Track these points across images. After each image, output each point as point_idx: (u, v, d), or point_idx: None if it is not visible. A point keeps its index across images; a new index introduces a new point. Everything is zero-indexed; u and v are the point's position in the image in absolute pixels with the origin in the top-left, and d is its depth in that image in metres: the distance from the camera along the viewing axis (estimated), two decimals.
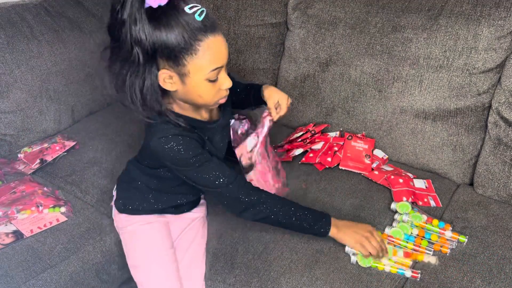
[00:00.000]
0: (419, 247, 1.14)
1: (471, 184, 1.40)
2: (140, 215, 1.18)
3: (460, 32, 1.31)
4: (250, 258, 1.15)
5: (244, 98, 1.22)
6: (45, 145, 1.55)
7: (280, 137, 1.62)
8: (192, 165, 1.01)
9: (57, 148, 1.53)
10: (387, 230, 1.17)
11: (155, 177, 1.13)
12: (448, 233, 1.16)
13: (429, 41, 1.35)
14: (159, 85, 0.92)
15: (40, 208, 1.27)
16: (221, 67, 0.93)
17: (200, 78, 0.92)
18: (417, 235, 1.17)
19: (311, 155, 1.47)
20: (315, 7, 1.56)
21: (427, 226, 1.19)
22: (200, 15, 0.86)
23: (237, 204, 1.06)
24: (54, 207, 1.28)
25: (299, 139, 1.53)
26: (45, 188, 1.34)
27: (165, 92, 0.96)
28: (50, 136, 1.62)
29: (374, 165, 1.43)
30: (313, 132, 1.54)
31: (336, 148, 1.47)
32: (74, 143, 1.57)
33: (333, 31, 1.52)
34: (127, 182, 1.19)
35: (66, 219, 1.27)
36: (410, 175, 1.39)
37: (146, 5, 0.84)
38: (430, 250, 1.13)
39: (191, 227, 1.23)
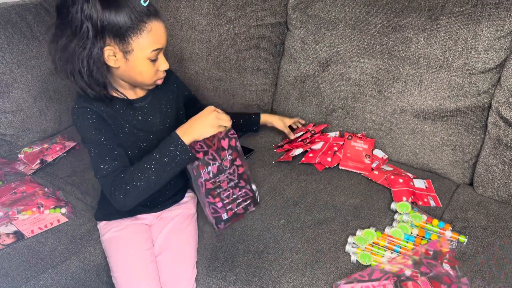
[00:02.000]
0: (418, 246, 1.14)
1: (471, 184, 1.40)
2: (114, 220, 1.23)
3: (460, 32, 1.32)
4: (250, 257, 1.15)
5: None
6: (46, 145, 1.55)
7: (280, 137, 1.62)
8: (93, 142, 1.07)
9: (58, 148, 1.54)
10: (387, 230, 1.18)
11: None
12: (448, 233, 1.17)
13: (429, 41, 1.36)
14: (104, 60, 1.02)
15: (41, 208, 1.27)
16: (161, 49, 1.05)
17: (142, 56, 1.03)
18: (417, 235, 1.17)
19: (310, 155, 1.47)
20: (315, 7, 1.56)
21: (427, 226, 1.19)
22: (145, 1, 0.99)
23: (107, 192, 1.08)
24: (55, 208, 1.28)
25: (299, 139, 1.53)
26: (46, 189, 1.34)
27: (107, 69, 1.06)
28: (50, 137, 1.62)
29: (374, 165, 1.43)
30: (312, 132, 1.54)
31: (336, 148, 1.47)
32: (74, 143, 1.57)
33: (333, 31, 1.52)
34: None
35: (67, 220, 1.27)
36: (410, 175, 1.39)
37: None
38: (430, 250, 1.13)
39: (174, 226, 1.23)
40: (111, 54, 1.02)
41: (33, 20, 1.59)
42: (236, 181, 1.21)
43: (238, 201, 1.22)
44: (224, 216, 1.20)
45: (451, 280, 1.02)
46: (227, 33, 1.71)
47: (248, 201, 1.24)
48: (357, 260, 1.11)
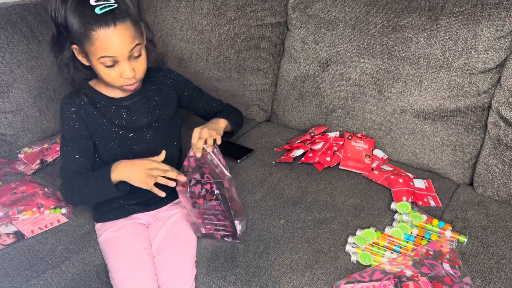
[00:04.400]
0: (418, 246, 1.14)
1: (471, 184, 1.40)
2: (110, 220, 1.24)
3: (460, 32, 1.32)
4: (251, 257, 1.15)
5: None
6: (46, 145, 1.55)
7: (280, 137, 1.62)
8: (63, 138, 1.15)
9: (58, 148, 1.53)
10: (387, 230, 1.18)
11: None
12: (448, 233, 1.17)
13: (429, 41, 1.36)
14: (73, 59, 1.08)
15: (41, 209, 1.27)
16: (112, 57, 1.04)
17: (95, 61, 1.05)
18: (417, 235, 1.17)
19: (310, 154, 1.47)
20: (315, 7, 1.56)
21: (427, 226, 1.19)
22: (102, 9, 1.00)
23: (61, 184, 1.17)
24: (55, 208, 1.28)
25: (299, 141, 1.53)
26: (46, 189, 1.34)
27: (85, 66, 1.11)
28: (50, 137, 1.62)
29: (374, 165, 1.43)
30: (312, 134, 1.54)
31: (335, 148, 1.47)
32: None
33: (333, 31, 1.52)
34: None
35: (67, 220, 1.27)
36: (410, 175, 1.39)
37: None
38: (430, 250, 1.13)
39: (172, 225, 1.23)
40: (78, 52, 1.07)
41: (33, 20, 1.59)
42: (217, 213, 1.15)
43: (217, 227, 1.17)
44: (202, 230, 1.19)
45: (452, 281, 1.02)
46: (227, 33, 1.71)
47: (228, 233, 1.18)
48: (357, 260, 1.11)
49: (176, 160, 1.30)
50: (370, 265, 1.10)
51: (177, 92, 1.30)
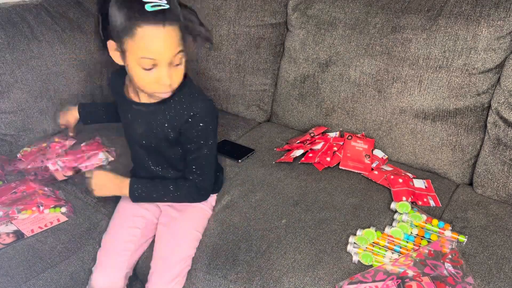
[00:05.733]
0: (419, 246, 1.14)
1: (471, 184, 1.40)
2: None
3: (460, 33, 1.32)
4: (252, 256, 1.15)
5: None
6: (44, 144, 1.55)
7: (280, 137, 1.62)
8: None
9: (57, 147, 1.53)
10: (387, 230, 1.18)
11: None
12: (448, 233, 1.17)
13: (429, 41, 1.36)
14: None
15: (41, 208, 1.27)
16: (152, 59, 0.97)
17: (133, 61, 0.98)
18: (417, 234, 1.17)
19: (310, 155, 1.47)
20: (315, 7, 1.56)
21: (427, 226, 1.19)
22: (153, 6, 0.93)
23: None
24: (54, 207, 1.28)
25: (298, 141, 1.53)
26: (46, 188, 1.34)
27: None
28: (48, 136, 1.62)
29: (373, 165, 1.43)
30: (312, 134, 1.54)
31: (335, 148, 1.47)
32: (74, 141, 1.57)
33: (333, 32, 1.52)
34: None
35: (67, 219, 1.27)
36: (409, 175, 1.40)
37: None
38: None
39: (181, 215, 1.23)
40: (113, 49, 1.01)
41: (34, 21, 1.59)
42: None
43: None
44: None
45: (455, 281, 1.02)
46: (227, 34, 1.71)
47: None
48: (358, 260, 1.11)
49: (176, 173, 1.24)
50: (371, 265, 1.10)
51: (180, 130, 1.11)
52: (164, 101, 1.09)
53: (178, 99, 1.09)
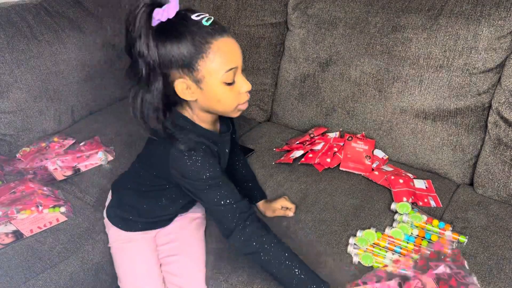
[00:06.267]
0: (419, 247, 1.14)
1: (471, 184, 1.40)
2: (126, 231, 1.17)
3: (460, 32, 1.31)
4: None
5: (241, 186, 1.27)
6: (43, 144, 1.55)
7: (279, 137, 1.62)
8: (204, 181, 0.98)
9: (57, 147, 1.53)
10: (387, 231, 1.17)
11: (153, 186, 1.10)
12: (448, 233, 1.16)
13: (429, 41, 1.35)
14: (162, 99, 0.91)
15: (40, 208, 1.26)
16: (235, 68, 0.93)
17: (216, 81, 0.92)
18: (417, 235, 1.17)
19: (310, 155, 1.46)
20: (315, 7, 1.56)
21: (427, 227, 1.19)
22: (207, 21, 0.90)
23: (230, 226, 1.00)
24: (54, 207, 1.28)
25: (298, 141, 1.53)
26: (45, 188, 1.34)
27: (182, 105, 0.98)
28: (47, 136, 1.62)
29: (374, 165, 1.42)
30: (312, 135, 1.54)
31: (335, 149, 1.47)
32: (73, 141, 1.57)
33: (333, 31, 1.52)
34: (124, 187, 1.19)
35: (66, 219, 1.27)
36: (410, 175, 1.39)
37: (156, 22, 0.87)
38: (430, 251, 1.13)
39: (184, 233, 1.21)
40: (185, 87, 0.92)
41: (33, 20, 1.59)
42: None
43: None
44: None
45: (457, 281, 1.01)
46: None
47: None
48: (359, 262, 1.11)
49: None
50: (372, 267, 1.10)
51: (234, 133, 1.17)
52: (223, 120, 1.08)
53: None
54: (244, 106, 0.99)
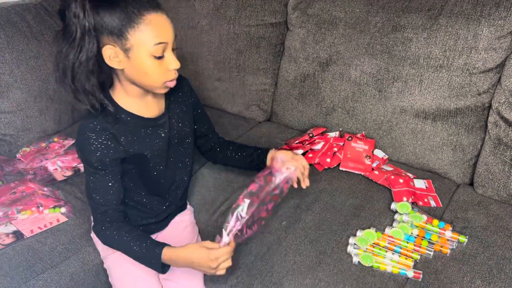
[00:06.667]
0: (419, 247, 1.14)
1: (471, 184, 1.40)
2: None
3: (460, 32, 1.31)
4: (252, 260, 1.15)
5: (239, 154, 1.26)
6: (43, 144, 1.55)
7: (279, 137, 1.62)
8: (88, 163, 1.02)
9: (56, 147, 1.53)
10: (387, 231, 1.18)
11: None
12: (448, 233, 1.16)
13: (429, 40, 1.35)
14: (94, 63, 0.93)
15: (41, 208, 1.26)
16: (165, 43, 0.95)
17: (144, 52, 0.94)
18: (417, 235, 1.17)
19: (310, 155, 1.46)
20: (315, 6, 1.56)
21: (427, 226, 1.19)
22: None
23: (94, 220, 1.09)
24: (54, 207, 1.28)
25: (297, 141, 1.53)
26: (45, 189, 1.34)
27: (109, 76, 1.00)
28: (47, 136, 1.62)
29: (374, 165, 1.43)
30: (311, 135, 1.54)
31: (335, 149, 1.47)
32: (73, 141, 1.57)
33: (333, 31, 1.52)
34: None
35: (67, 219, 1.27)
36: (410, 175, 1.39)
37: None
38: (431, 250, 1.13)
39: (178, 239, 1.19)
40: (112, 54, 0.94)
41: (33, 20, 1.59)
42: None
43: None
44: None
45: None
46: (227, 33, 1.71)
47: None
48: (359, 261, 1.11)
49: (187, 183, 1.23)
50: (372, 267, 1.10)
51: (194, 104, 1.19)
52: (171, 94, 1.09)
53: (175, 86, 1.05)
54: (171, 84, 1.01)
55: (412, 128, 1.42)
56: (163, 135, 1.09)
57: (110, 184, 1.03)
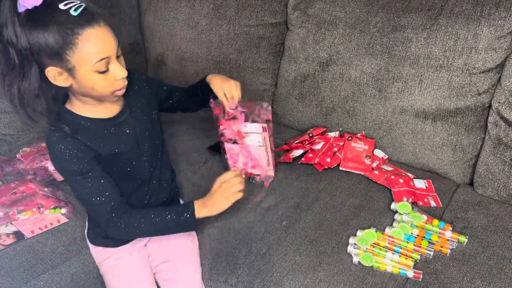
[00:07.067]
0: (420, 247, 1.14)
1: (471, 184, 1.40)
2: (114, 247, 1.17)
3: (460, 32, 1.31)
4: (252, 259, 1.15)
5: (192, 98, 1.28)
6: (43, 144, 1.55)
7: (279, 137, 1.62)
8: (70, 173, 1.00)
9: None
10: (387, 230, 1.18)
11: None
12: (448, 233, 1.17)
13: (429, 40, 1.35)
14: (39, 86, 0.91)
15: (41, 209, 1.27)
16: (107, 57, 0.92)
17: (87, 70, 0.91)
18: (417, 235, 1.17)
19: (310, 155, 1.47)
20: (315, 6, 1.56)
21: (427, 226, 1.19)
22: (76, 10, 0.87)
23: (103, 222, 1.05)
24: (55, 208, 1.28)
25: (297, 141, 1.53)
26: (46, 189, 1.34)
27: (60, 90, 0.97)
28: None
29: (374, 165, 1.43)
30: (311, 135, 1.54)
31: (335, 149, 1.47)
32: None
33: (333, 31, 1.52)
34: None
35: (67, 220, 1.27)
36: (410, 175, 1.39)
37: (22, 8, 0.85)
38: (431, 250, 1.13)
39: (174, 239, 1.20)
40: (57, 74, 0.91)
41: None
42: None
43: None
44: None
45: None
46: (227, 33, 1.70)
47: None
48: (359, 261, 1.11)
49: (169, 175, 1.22)
50: (372, 267, 1.10)
51: (152, 93, 1.18)
52: (128, 91, 1.05)
53: (130, 83, 1.03)
54: (121, 92, 1.00)
55: (412, 128, 1.43)
56: (128, 131, 1.08)
57: (102, 181, 1.02)
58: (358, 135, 1.50)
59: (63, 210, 1.28)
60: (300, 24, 1.59)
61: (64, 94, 1.02)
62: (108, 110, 1.05)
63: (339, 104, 1.54)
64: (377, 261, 1.11)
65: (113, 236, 1.10)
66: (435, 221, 1.20)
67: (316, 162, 1.44)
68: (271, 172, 1.37)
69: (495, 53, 1.29)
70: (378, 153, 1.48)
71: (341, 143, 1.48)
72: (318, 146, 1.49)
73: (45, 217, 1.26)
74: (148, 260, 1.19)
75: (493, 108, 1.31)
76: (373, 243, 1.15)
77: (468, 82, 1.33)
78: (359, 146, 1.46)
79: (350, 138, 1.48)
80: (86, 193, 1.02)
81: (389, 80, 1.43)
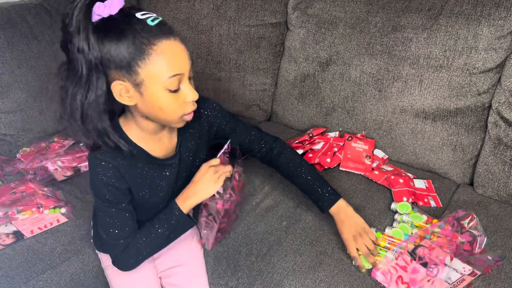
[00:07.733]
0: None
1: (471, 184, 1.40)
2: None
3: (460, 32, 1.31)
4: (253, 260, 1.15)
5: (286, 176, 1.22)
6: (43, 144, 1.55)
7: (280, 137, 1.61)
8: (100, 199, 0.97)
9: (57, 147, 1.53)
10: (387, 231, 1.18)
11: None
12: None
13: (429, 40, 1.35)
14: (104, 101, 0.84)
15: (41, 208, 1.27)
16: (181, 74, 0.86)
17: (158, 87, 0.85)
18: (418, 235, 1.17)
19: (310, 155, 1.46)
20: (315, 6, 1.56)
21: (427, 226, 1.19)
22: (153, 20, 0.83)
23: (112, 255, 1.04)
24: (54, 208, 1.28)
25: (297, 141, 1.53)
26: (45, 189, 1.34)
27: (122, 111, 0.94)
28: (47, 136, 1.62)
29: (374, 165, 1.43)
30: (311, 135, 1.54)
31: (335, 149, 1.47)
32: (73, 141, 1.57)
33: (333, 31, 1.52)
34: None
35: (67, 220, 1.27)
36: (410, 175, 1.39)
37: (96, 17, 0.81)
38: None
39: (179, 244, 1.19)
40: (123, 90, 0.85)
41: (33, 20, 1.59)
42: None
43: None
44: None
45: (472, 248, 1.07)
46: (227, 33, 1.71)
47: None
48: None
49: None
50: (372, 267, 1.10)
51: (214, 129, 1.11)
52: (185, 130, 1.01)
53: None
54: (189, 117, 0.92)
55: (412, 128, 1.42)
56: (168, 173, 1.03)
57: (127, 215, 0.99)
58: (358, 135, 1.50)
59: (63, 210, 1.28)
60: (300, 24, 1.59)
61: (121, 111, 0.96)
62: (161, 147, 1.00)
63: (339, 104, 1.54)
64: (377, 261, 1.10)
65: (124, 269, 1.06)
66: (435, 221, 1.19)
67: (316, 162, 1.44)
68: (207, 245, 1.21)
69: (495, 53, 1.29)
70: (378, 153, 1.48)
71: (341, 143, 1.48)
72: (318, 146, 1.49)
73: (44, 217, 1.26)
74: (153, 264, 1.19)
75: (493, 108, 1.31)
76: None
77: (468, 82, 1.33)
78: (359, 146, 1.46)
79: (350, 138, 1.48)
80: (106, 221, 0.98)
81: (389, 80, 1.43)
